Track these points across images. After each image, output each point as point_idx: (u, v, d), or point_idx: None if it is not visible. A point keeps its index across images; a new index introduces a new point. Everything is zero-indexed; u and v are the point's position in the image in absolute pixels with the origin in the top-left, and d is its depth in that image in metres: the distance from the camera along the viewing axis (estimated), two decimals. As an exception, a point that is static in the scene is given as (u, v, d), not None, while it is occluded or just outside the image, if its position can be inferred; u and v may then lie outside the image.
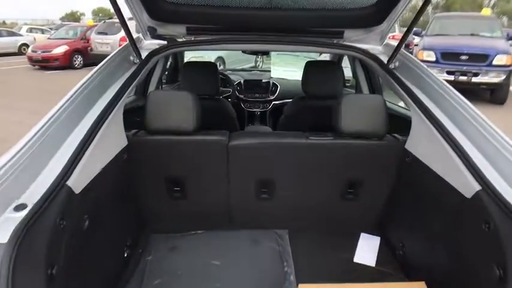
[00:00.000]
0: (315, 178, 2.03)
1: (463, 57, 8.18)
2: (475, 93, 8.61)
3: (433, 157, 1.64)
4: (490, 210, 1.23)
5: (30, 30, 22.92)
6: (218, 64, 7.93)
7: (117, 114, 1.69)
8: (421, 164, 1.71)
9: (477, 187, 1.32)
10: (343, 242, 2.07)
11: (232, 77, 4.08)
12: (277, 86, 3.96)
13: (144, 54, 1.99)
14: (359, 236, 2.10)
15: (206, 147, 1.93)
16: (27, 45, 17.57)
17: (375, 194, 2.08)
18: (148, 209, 2.12)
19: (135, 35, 2.14)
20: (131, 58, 1.97)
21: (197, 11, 1.94)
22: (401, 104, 2.41)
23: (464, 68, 8.09)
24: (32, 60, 13.88)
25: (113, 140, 1.69)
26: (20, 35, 20.49)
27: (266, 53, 3.99)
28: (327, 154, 1.95)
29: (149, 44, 2.13)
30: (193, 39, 2.14)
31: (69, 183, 1.23)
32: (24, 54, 16.06)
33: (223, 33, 2.08)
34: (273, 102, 3.91)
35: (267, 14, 1.96)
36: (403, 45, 1.91)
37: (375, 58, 2.01)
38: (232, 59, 7.92)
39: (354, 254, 1.99)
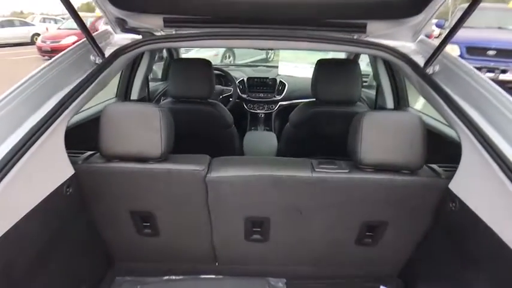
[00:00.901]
0: (322, 217, 1.59)
1: (491, 53, 7.57)
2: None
3: (496, 211, 1.14)
4: None
5: (44, 20, 22.78)
6: (227, 56, 7.52)
7: (56, 134, 1.28)
8: (475, 217, 1.21)
9: None
10: None
11: (234, 73, 3.64)
12: (285, 85, 3.52)
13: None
14: (377, 289, 1.67)
15: (178, 179, 1.49)
16: (39, 35, 17.44)
17: (400, 239, 1.63)
18: (112, 246, 1.73)
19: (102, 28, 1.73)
20: (92, 58, 1.54)
21: None
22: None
23: (492, 64, 7.47)
24: (41, 51, 13.69)
25: (48, 170, 1.28)
26: (33, 25, 20.35)
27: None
28: (339, 190, 1.49)
29: (122, 40, 1.70)
30: (173, 32, 1.70)
31: None
32: (36, 44, 15.91)
33: (212, 26, 1.64)
34: (280, 103, 3.49)
35: (267, 2, 1.50)
36: (447, 43, 1.39)
37: (407, 60, 1.52)
38: (243, 50, 7.47)
39: (370, 317, 1.56)
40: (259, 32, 1.57)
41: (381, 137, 1.38)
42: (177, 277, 1.72)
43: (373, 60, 2.67)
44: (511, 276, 1.06)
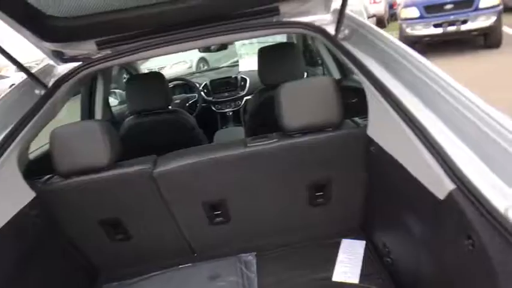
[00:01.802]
0: (269, 188, 1.72)
1: (448, 7, 7.73)
2: (468, 41, 8.24)
3: (397, 146, 1.29)
4: (470, 218, 0.88)
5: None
6: (202, 66, 7.58)
7: (8, 163, 1.41)
8: (387, 155, 1.35)
9: (450, 185, 0.96)
10: (322, 255, 1.77)
11: (198, 80, 3.80)
12: (246, 80, 3.66)
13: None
14: (340, 245, 1.79)
15: (128, 181, 1.62)
16: (15, 86, 17.53)
17: (349, 193, 1.76)
18: (92, 256, 1.85)
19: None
20: (36, 92, 1.65)
21: (99, 21, 1.61)
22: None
23: (452, 17, 7.64)
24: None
25: (6, 196, 1.40)
26: (8, 77, 20.37)
27: (225, 47, 3.65)
28: (275, 160, 1.62)
29: (65, 70, 1.80)
30: (109, 52, 1.82)
31: None
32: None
33: (142, 39, 1.75)
34: (245, 98, 3.61)
35: (185, 6, 1.62)
36: (345, 7, 1.49)
37: (319, 30, 1.64)
38: (216, 57, 7.55)
39: (333, 270, 1.67)
40: (183, 36, 1.69)
41: (299, 102, 1.52)
42: (158, 272, 1.83)
43: (312, 40, 2.80)
44: (427, 206, 1.14)
